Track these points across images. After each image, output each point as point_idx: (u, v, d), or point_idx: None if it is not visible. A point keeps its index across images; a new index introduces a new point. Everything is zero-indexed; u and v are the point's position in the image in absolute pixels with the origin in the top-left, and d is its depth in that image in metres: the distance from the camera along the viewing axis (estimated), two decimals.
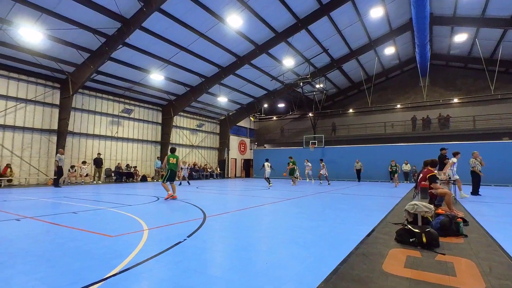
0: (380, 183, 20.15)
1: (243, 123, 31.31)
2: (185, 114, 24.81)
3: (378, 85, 28.37)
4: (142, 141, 21.38)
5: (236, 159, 30.34)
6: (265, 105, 29.53)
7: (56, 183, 14.04)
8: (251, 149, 32.24)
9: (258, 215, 6.54)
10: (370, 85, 25.28)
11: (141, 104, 21.41)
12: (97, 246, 3.78)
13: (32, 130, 15.43)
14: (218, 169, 27.22)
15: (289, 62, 20.62)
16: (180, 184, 16.13)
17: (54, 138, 16.20)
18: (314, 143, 24.92)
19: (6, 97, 14.55)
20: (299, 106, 30.35)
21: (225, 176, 28.08)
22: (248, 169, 30.86)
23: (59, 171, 13.90)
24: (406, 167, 20.90)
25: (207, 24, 15.42)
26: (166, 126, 22.57)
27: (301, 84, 23.23)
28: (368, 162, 22.01)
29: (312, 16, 16.69)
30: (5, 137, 14.47)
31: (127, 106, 20.04)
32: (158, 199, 9.18)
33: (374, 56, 23.34)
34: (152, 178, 21.06)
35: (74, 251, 3.55)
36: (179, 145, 24.27)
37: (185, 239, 4.11)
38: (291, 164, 17.27)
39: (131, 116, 20.44)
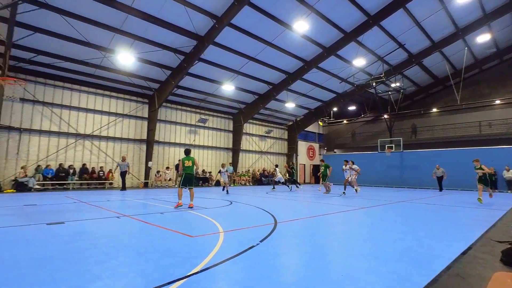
0: (471, 192, 17.30)
1: (311, 128, 30.78)
2: (254, 121, 25.65)
3: (469, 79, 24.59)
4: (216, 148, 22.87)
5: (304, 164, 29.93)
6: (334, 109, 28.50)
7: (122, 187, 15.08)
8: (320, 154, 31.41)
9: (330, 224, 6.30)
10: (458, 80, 22.08)
11: (215, 114, 22.98)
12: (181, 244, 4.16)
13: (128, 140, 17.99)
14: (287, 175, 27.23)
15: (359, 62, 19.53)
16: (223, 189, 16.43)
17: (144, 147, 18.57)
18: (391, 147, 22.88)
19: (108, 113, 17.34)
20: (372, 108, 28.36)
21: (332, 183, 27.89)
22: (318, 174, 30.06)
23: (122, 176, 14.83)
24: (509, 174, 17.47)
25: (274, 32, 15.76)
26: (237, 134, 23.69)
27: (374, 84, 21.71)
28: (457, 168, 19.07)
29: (385, 11, 15.52)
30: (108, 147, 17.22)
31: (203, 116, 21.76)
32: (231, 203, 9.64)
33: (462, 47, 20.36)
34: (225, 183, 22.23)
35: (163, 248, 3.98)
36: (249, 151, 25.16)
37: (257, 244, 4.21)
38: (324, 168, 14.74)
39: (206, 125, 22.11)
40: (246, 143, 24.96)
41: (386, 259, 3.62)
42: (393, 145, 22.90)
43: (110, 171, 16.75)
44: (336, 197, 12.83)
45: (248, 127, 25.23)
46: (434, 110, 26.59)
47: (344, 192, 13.83)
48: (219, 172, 16.00)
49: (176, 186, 8.66)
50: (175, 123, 20.52)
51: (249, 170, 24.63)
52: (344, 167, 15.29)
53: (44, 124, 15.01)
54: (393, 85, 23.31)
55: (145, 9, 12.76)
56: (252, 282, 2.81)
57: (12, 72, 13.38)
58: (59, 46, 13.56)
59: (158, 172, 18.84)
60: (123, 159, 15.02)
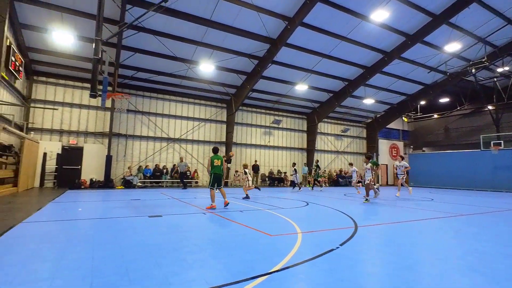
0: None
1: (394, 125, 28.14)
2: (329, 120, 24.84)
3: None
4: (290, 148, 22.96)
5: (387, 164, 27.54)
6: (422, 102, 25.43)
7: (183, 185, 16.07)
8: (405, 153, 28.44)
9: (420, 231, 5.66)
10: None
11: (288, 114, 23.12)
12: (260, 242, 4.34)
13: (209, 142, 19.56)
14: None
15: (453, 47, 16.99)
16: (294, 187, 16.21)
17: (223, 149, 19.91)
18: (499, 144, 19.18)
19: (193, 119, 19.20)
20: (471, 99, 24.37)
21: (375, 183, 25.90)
22: None
23: (180, 176, 16.10)
24: None
25: (349, 26, 15.00)
26: (311, 133, 23.32)
27: (473, 70, 18.59)
28: None
29: None
30: (193, 149, 19.06)
31: (277, 117, 22.14)
32: (308, 204, 9.55)
33: None
34: (300, 183, 22.14)
35: (244, 244, 4.22)
36: (324, 151, 24.46)
37: (337, 247, 4.08)
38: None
39: (280, 126, 22.41)
40: (321, 143, 24.36)
41: (496, 277, 3.07)
42: (502, 141, 19.16)
43: (195, 171, 18.49)
44: (426, 201, 11.44)
45: (323, 127, 24.57)
46: None
47: (366, 198, 10.88)
48: (293, 173, 16.06)
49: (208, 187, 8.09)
50: (251, 125, 21.40)
51: (325, 170, 23.95)
52: (365, 165, 12.72)
53: (143, 130, 17.55)
54: (499, 69, 19.55)
55: (222, 20, 13.70)
56: (333, 286, 2.75)
57: (119, 88, 16.05)
58: (153, 63, 15.67)
59: (236, 172, 19.94)
60: (181, 160, 16.33)
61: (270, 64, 16.50)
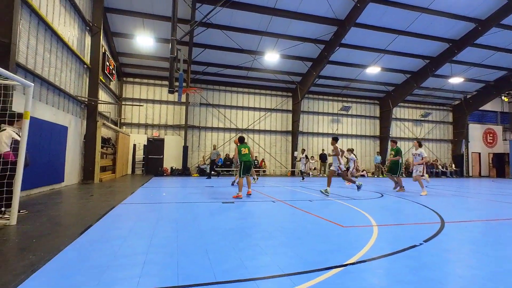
0: None
1: (489, 106, 23.98)
2: (405, 104, 22.51)
3: None
4: (361, 136, 21.63)
5: (480, 153, 23.77)
6: None
7: (208, 175, 15.38)
8: (505, 139, 24.05)
9: None
10: None
11: (358, 100, 21.71)
12: (334, 233, 4.21)
13: (275, 132, 19.73)
14: (453, 165, 22.48)
15: None
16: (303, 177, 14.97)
17: (290, 138, 19.88)
18: None
19: (259, 109, 19.58)
20: None
21: (464, 174, 22.70)
22: (502, 166, 23.21)
23: (210, 164, 15.49)
24: None
25: None
26: (385, 120, 21.51)
27: None
28: None
29: None
30: (260, 139, 19.50)
31: (345, 104, 21.00)
32: (382, 195, 8.89)
33: None
34: (372, 173, 20.77)
35: (316, 234, 4.15)
36: (400, 138, 22.32)
37: (421, 244, 3.69)
38: (393, 154, 10.32)
39: (349, 112, 21.22)
40: (396, 129, 22.30)
41: None
42: None
43: (263, 160, 18.94)
44: None
45: (398, 112, 22.40)
46: None
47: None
48: (350, 159, 13.51)
49: (236, 177, 8.24)
50: (317, 113, 20.80)
51: None
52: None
53: (214, 122, 18.67)
54: None
55: (286, 7, 13.45)
56: (419, 285, 2.50)
57: (192, 83, 17.29)
58: (221, 57, 16.39)
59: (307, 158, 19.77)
60: (214, 148, 16.38)
61: (337, 48, 15.63)
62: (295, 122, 19.45)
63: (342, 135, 21.12)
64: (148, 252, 3.19)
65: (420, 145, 9.93)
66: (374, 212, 6.00)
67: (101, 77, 12.03)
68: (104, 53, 12.46)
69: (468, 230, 4.71)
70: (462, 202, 8.20)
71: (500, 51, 17.15)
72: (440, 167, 21.60)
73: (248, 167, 7.77)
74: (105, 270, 2.65)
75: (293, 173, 19.37)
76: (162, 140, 17.30)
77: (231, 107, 19.06)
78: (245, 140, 8.59)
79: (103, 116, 13.57)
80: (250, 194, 7.79)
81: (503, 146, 23.89)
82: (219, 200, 7.12)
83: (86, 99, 11.00)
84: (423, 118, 22.88)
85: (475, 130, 23.85)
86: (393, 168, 10.31)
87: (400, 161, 10.20)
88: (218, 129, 18.67)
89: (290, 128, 19.94)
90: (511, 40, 16.31)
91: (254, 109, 19.55)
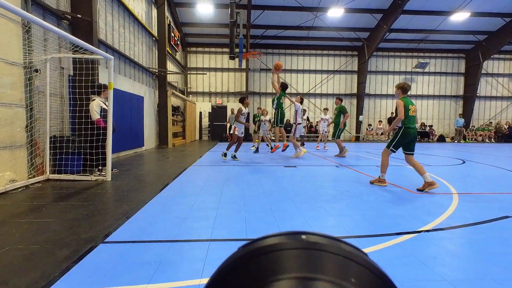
0: None
1: None
2: (501, 56, 18.76)
3: None
4: (439, 96, 19.08)
5: None
6: None
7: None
8: None
9: None
10: None
11: (438, 55, 18.87)
12: (406, 199, 3.94)
13: (339, 95, 18.62)
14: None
15: None
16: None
17: (355, 101, 18.63)
18: None
19: (321, 71, 18.57)
20: None
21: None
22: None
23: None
24: None
25: None
26: (472, 76, 18.41)
27: None
28: None
29: None
30: (321, 103, 18.70)
31: (421, 60, 18.49)
32: (464, 162, 7.90)
33: None
34: (452, 138, 18.47)
35: (384, 198, 3.94)
36: (491, 97, 19.02)
37: None
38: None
39: (426, 70, 18.70)
40: (487, 86, 19.00)
41: None
42: None
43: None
44: None
45: (491, 65, 18.87)
46: None
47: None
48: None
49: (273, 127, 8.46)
50: (387, 72, 18.82)
51: (491, 122, 18.90)
52: (323, 116, 11.76)
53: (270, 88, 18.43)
54: None
55: None
56: (509, 257, 2.21)
57: (251, 48, 17.10)
58: (280, 17, 15.64)
59: (369, 125, 18.52)
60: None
61: None
62: (361, 83, 17.98)
63: (416, 96, 18.90)
64: (219, 207, 3.46)
65: (327, 110, 11.61)
66: (455, 179, 5.40)
67: (168, 49, 12.71)
68: (169, 25, 13.00)
69: None
70: None
71: None
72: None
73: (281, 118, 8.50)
74: (183, 220, 2.98)
75: (357, 138, 18.39)
76: (225, 107, 17.95)
77: (291, 71, 18.45)
78: (303, 102, 8.55)
79: (172, 86, 14.53)
80: (284, 148, 8.48)
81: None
82: (281, 164, 7.23)
83: (157, 70, 11.85)
84: None
85: None
86: (337, 126, 9.11)
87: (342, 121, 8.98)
88: (273, 94, 18.46)
89: (355, 91, 18.59)
90: None
91: (316, 71, 18.60)
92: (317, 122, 12.72)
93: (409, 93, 17.42)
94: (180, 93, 15.09)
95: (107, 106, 5.28)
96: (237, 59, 10.27)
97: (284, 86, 8.30)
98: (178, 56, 16.11)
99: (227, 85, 18.32)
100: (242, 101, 8.08)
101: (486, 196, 4.14)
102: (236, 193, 4.22)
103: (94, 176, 5.11)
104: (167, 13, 12.43)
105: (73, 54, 5.27)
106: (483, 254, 2.30)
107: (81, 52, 5.03)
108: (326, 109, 12.26)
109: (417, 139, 17.93)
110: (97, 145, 5.27)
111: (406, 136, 4.58)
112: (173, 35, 13.75)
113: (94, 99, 5.47)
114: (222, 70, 18.22)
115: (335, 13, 14.77)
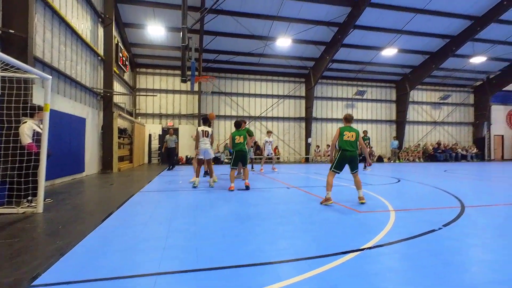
0: None
1: None
2: (423, 87, 21.74)
3: None
4: (376, 121, 21.17)
5: (503, 135, 22.84)
6: None
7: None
8: None
9: None
10: None
11: (373, 84, 21.14)
12: (349, 218, 4.20)
13: (288, 119, 19.57)
14: (474, 149, 21.74)
15: None
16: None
17: (303, 124, 19.69)
18: None
19: (272, 96, 19.42)
20: None
21: (485, 158, 21.94)
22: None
23: (168, 152, 12.46)
24: None
25: None
26: (402, 104, 20.90)
27: None
28: None
29: None
30: (273, 126, 19.41)
31: (360, 88, 20.50)
32: (399, 181, 8.75)
33: None
34: (389, 159, 20.41)
35: (332, 219, 4.15)
36: (418, 122, 21.68)
37: (440, 228, 3.63)
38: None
39: (364, 97, 20.73)
40: (414, 113, 21.65)
41: None
42: None
43: (276, 147, 18.93)
44: None
45: (416, 95, 21.68)
46: None
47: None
48: (265, 142, 12.40)
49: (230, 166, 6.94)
50: (331, 98, 20.42)
51: (419, 144, 21.40)
52: (267, 139, 12.26)
53: (227, 110, 18.68)
54: None
55: None
56: (438, 269, 2.47)
57: (204, 72, 17.27)
58: (232, 44, 16.21)
59: (317, 147, 19.61)
60: (171, 134, 12.33)
61: (351, 30, 15.13)
62: (309, 108, 19.19)
63: (358, 120, 20.72)
64: (168, 236, 3.29)
65: (271, 133, 12.39)
66: (391, 197, 5.93)
67: (115, 69, 12.19)
68: (117, 44, 12.57)
69: (489, 214, 4.58)
70: (483, 186, 7.96)
71: None
72: (459, 150, 20.92)
73: (242, 156, 6.79)
74: (127, 254, 2.76)
75: (307, 160, 19.28)
76: (176, 130, 17.53)
77: (243, 94, 18.98)
78: (244, 125, 7.47)
79: (119, 107, 13.81)
80: (248, 186, 6.75)
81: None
82: (234, 187, 7.19)
83: (102, 91, 11.22)
84: (442, 101, 22.07)
85: (498, 112, 22.83)
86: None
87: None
88: (231, 117, 18.69)
89: (303, 115, 19.72)
90: None
91: (267, 96, 19.39)
92: (263, 144, 12.94)
93: (354, 117, 19.00)
94: (127, 115, 14.39)
95: (41, 129, 4.79)
96: (189, 82, 10.25)
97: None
98: (127, 76, 15.52)
99: (179, 107, 18.03)
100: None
101: (417, 212, 4.62)
102: (187, 219, 4.07)
103: (21, 208, 4.50)
104: (114, 33, 12.04)
105: (1, 72, 4.75)
106: (416, 267, 2.54)
107: (12, 70, 4.56)
108: (270, 132, 12.66)
109: (359, 160, 19.48)
110: (27, 173, 4.69)
111: (343, 158, 5.13)
112: (121, 55, 13.28)
113: (26, 122, 4.93)
114: (173, 92, 17.95)
115: (283, 43, 15.82)
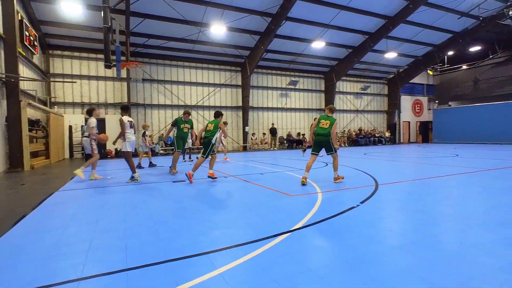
0: None
1: (418, 79, 26.64)
2: (347, 78, 23.83)
3: None
4: (308, 110, 22.54)
5: (409, 122, 26.66)
6: (450, 53, 23.58)
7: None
8: (429, 109, 27.25)
9: (443, 187, 5.58)
10: None
11: (305, 74, 22.34)
12: (283, 202, 4.46)
13: (226, 108, 19.50)
14: (388, 133, 24.91)
15: None
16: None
17: (240, 113, 19.87)
18: None
19: (208, 84, 19.02)
20: (505, 45, 22.33)
21: (396, 141, 25.38)
22: (426, 133, 26.44)
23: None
24: None
25: None
26: (329, 93, 22.61)
27: (510, 13, 16.78)
28: None
29: None
30: (210, 115, 19.13)
31: (293, 78, 21.48)
32: (327, 165, 9.57)
33: None
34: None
35: (268, 205, 4.35)
36: (344, 111, 23.84)
37: (358, 205, 4.13)
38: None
39: (297, 87, 21.82)
40: (340, 102, 23.68)
41: None
42: None
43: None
44: (451, 157, 11.16)
45: (342, 85, 23.68)
46: None
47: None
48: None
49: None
50: (267, 88, 20.97)
51: (344, 131, 23.59)
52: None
53: (160, 99, 17.67)
54: None
55: None
56: (355, 240, 2.82)
57: (133, 57, 15.93)
58: (164, 28, 15.23)
59: (253, 135, 20.09)
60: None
61: (284, 21, 15.62)
62: (245, 97, 19.40)
63: (291, 109, 21.77)
64: (93, 238, 3.03)
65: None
66: (319, 180, 6.46)
67: (19, 49, 10.37)
68: (21, 21, 10.67)
69: (397, 190, 5.37)
70: (394, 166, 9.25)
71: (427, 28, 18.87)
72: (376, 135, 23.78)
73: (204, 143, 6.74)
74: (45, 262, 2.46)
75: (245, 148, 19.63)
76: (103, 120, 15.92)
77: (178, 82, 18.15)
78: (190, 117, 7.99)
79: (28, 95, 11.89)
80: (213, 177, 6.68)
81: (428, 115, 27.09)
82: (169, 180, 6.95)
83: (4, 76, 9.48)
84: (363, 91, 24.61)
85: (406, 101, 26.52)
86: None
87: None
88: (165, 106, 17.77)
89: (240, 104, 19.87)
90: (436, 18, 18.01)
91: (203, 84, 18.92)
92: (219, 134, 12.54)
93: (286, 105, 19.79)
94: (40, 104, 12.51)
95: None
96: (115, 68, 9.35)
97: (215, 114, 7.09)
98: (37, 59, 13.39)
99: (105, 95, 16.37)
100: (124, 109, 6.92)
101: (341, 192, 5.15)
102: (116, 218, 3.79)
103: None
104: (17, 7, 10.18)
105: None
106: (337, 241, 2.85)
107: None
108: (225, 122, 12.51)
109: (293, 146, 20.69)
110: None
111: (315, 142, 6.28)
112: (27, 34, 11.35)
113: None
114: (97, 78, 16.17)
115: (218, 30, 15.50)
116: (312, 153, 6.30)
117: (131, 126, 6.77)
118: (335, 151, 6.15)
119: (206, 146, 6.72)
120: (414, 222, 3.49)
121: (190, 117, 8.39)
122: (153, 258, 2.47)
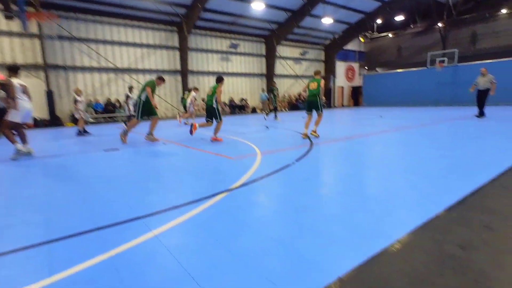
0: None
1: (351, 46, 28.18)
2: (287, 43, 24.00)
3: None
4: (249, 74, 22.37)
5: (343, 87, 28.52)
6: (378, 21, 25.21)
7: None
8: (360, 74, 29.38)
9: (369, 144, 6.23)
10: None
11: (246, 38, 21.78)
12: (223, 165, 4.49)
13: (163, 72, 18.18)
14: (324, 98, 26.40)
15: None
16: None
17: (179, 78, 18.79)
18: (443, 61, 20.45)
19: (141, 45, 17.30)
20: (424, 16, 24.66)
21: (331, 105, 27.14)
22: (357, 97, 28.74)
23: None
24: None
25: None
26: (270, 58, 22.63)
27: None
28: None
29: None
30: (145, 79, 17.68)
31: (233, 41, 20.80)
32: (268, 128, 9.83)
33: None
34: (261, 110, 22.41)
35: (208, 167, 4.34)
36: (284, 76, 24.25)
37: (293, 163, 4.38)
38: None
39: (238, 50, 21.26)
40: (280, 67, 23.95)
41: (428, 175, 3.58)
42: (446, 58, 20.38)
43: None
44: (376, 119, 12.41)
45: (282, 50, 23.81)
46: (504, 11, 22.24)
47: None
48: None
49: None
50: (207, 50, 20.00)
51: (284, 95, 24.22)
52: (195, 94, 12.32)
53: (84, 60, 15.57)
54: None
55: None
56: (289, 195, 3.02)
57: (45, 9, 13.44)
58: None
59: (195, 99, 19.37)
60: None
61: None
62: (184, 60, 18.27)
63: (232, 74, 21.34)
64: (7, 214, 2.68)
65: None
66: (260, 142, 6.64)
67: None
68: None
69: (330, 147, 5.82)
70: (328, 127, 9.95)
71: None
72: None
73: (207, 110, 7.16)
74: None
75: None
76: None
77: (104, 42, 16.06)
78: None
79: None
80: (218, 140, 6.91)
81: (359, 80, 29.31)
82: (100, 149, 6.41)
83: None
84: (301, 57, 25.19)
85: (340, 67, 28.10)
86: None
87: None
88: (91, 69, 15.76)
89: (178, 67, 18.69)
90: None
91: (135, 45, 17.12)
92: (192, 99, 12.07)
93: (229, 70, 19.26)
94: None
95: None
96: (19, 21, 7.78)
97: (216, 79, 7.02)
98: None
99: (11, 54, 13.74)
100: (13, 70, 5.70)
101: (278, 152, 5.38)
102: (36, 191, 3.39)
103: None
104: None
105: None
106: (273, 196, 3.01)
107: None
108: (196, 89, 12.61)
109: (236, 112, 20.64)
110: None
111: (307, 102, 7.07)
112: None
113: None
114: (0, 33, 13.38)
115: None
116: (306, 113, 7.19)
117: (23, 91, 5.64)
118: (322, 111, 7.05)
119: (210, 112, 7.00)
120: (344, 173, 3.87)
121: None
122: (79, 228, 2.30)
